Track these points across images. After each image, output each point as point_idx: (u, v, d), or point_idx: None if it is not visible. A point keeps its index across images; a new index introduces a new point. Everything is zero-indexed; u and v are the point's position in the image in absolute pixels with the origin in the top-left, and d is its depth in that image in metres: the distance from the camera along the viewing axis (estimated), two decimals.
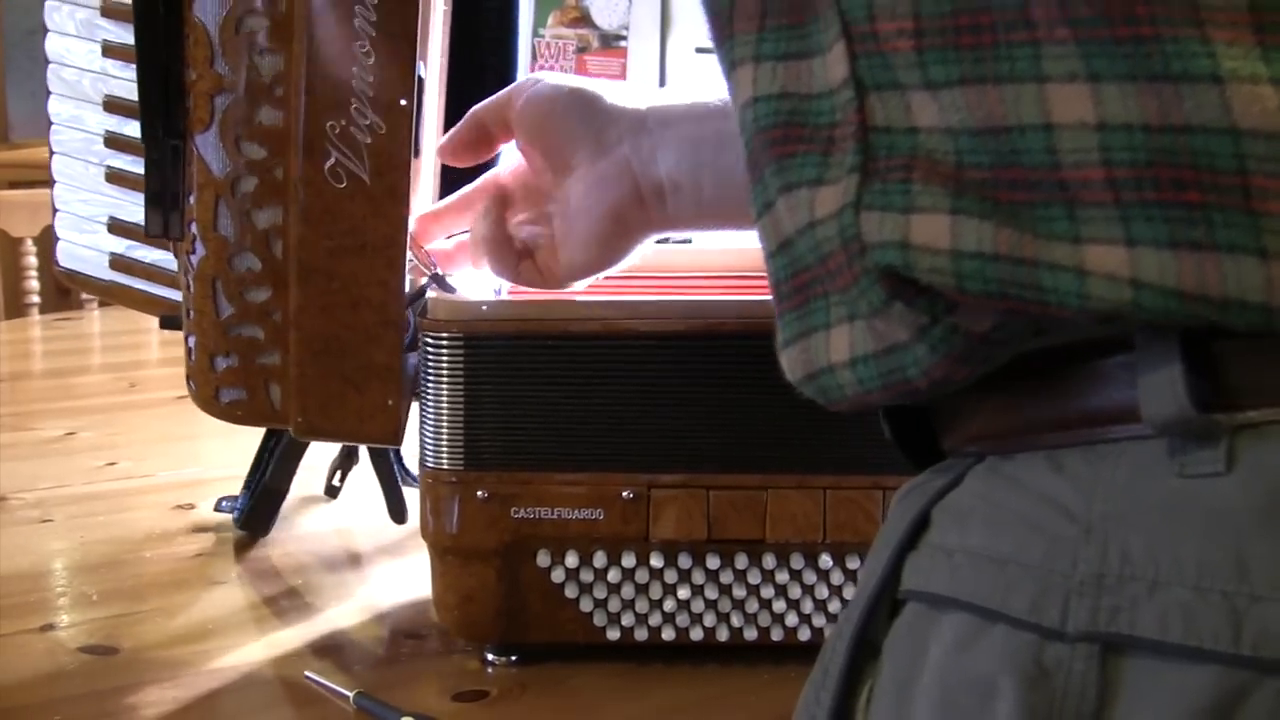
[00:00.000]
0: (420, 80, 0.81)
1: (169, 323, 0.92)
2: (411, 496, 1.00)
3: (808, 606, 0.83)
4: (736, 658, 0.85)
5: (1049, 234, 0.41)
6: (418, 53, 0.79)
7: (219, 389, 0.83)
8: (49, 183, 0.98)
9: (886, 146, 0.44)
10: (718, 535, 0.82)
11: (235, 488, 1.05)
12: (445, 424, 0.81)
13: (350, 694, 0.79)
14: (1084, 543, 0.42)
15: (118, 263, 0.94)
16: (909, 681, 0.46)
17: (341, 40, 0.77)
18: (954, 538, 0.47)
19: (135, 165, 0.90)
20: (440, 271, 0.85)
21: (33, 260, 2.36)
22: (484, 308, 0.81)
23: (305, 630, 0.90)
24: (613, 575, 0.83)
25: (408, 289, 0.83)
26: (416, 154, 0.81)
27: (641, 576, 0.83)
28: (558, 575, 0.83)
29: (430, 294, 0.83)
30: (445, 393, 0.81)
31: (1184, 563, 0.40)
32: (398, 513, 0.99)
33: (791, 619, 0.83)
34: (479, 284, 0.86)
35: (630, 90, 0.80)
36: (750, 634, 0.83)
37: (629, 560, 0.82)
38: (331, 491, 1.10)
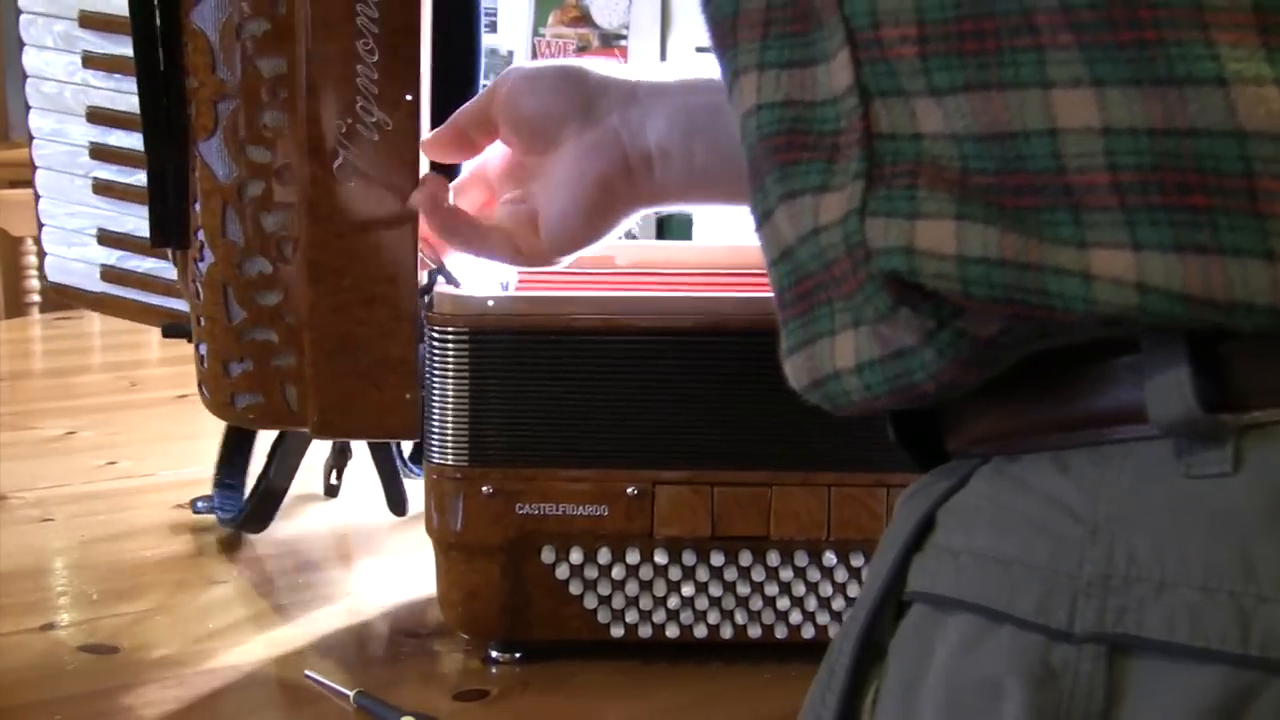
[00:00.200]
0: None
1: (172, 331, 0.91)
2: (411, 488, 1.00)
3: (812, 604, 0.83)
4: (740, 655, 0.85)
5: (1054, 238, 0.40)
6: (420, 46, 0.79)
7: (234, 394, 0.82)
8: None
9: (892, 153, 0.44)
10: (722, 532, 0.82)
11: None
12: (450, 420, 0.81)
13: (350, 693, 0.79)
14: (1090, 543, 0.42)
15: (109, 274, 0.94)
16: (915, 683, 0.46)
17: (344, 39, 0.77)
18: (959, 539, 0.47)
19: (122, 175, 0.89)
20: (443, 264, 0.85)
21: (33, 259, 2.36)
22: (490, 303, 0.80)
23: (305, 629, 0.90)
24: (617, 572, 0.83)
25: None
26: None
27: (646, 573, 0.83)
28: (562, 572, 0.83)
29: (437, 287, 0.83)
30: (451, 388, 0.81)
31: (1191, 563, 0.40)
32: (397, 504, 0.99)
33: (795, 616, 0.83)
34: (485, 277, 0.86)
35: (619, 66, 0.80)
36: (754, 631, 0.83)
37: (633, 557, 0.82)
38: (331, 491, 1.10)
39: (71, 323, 1.83)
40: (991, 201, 0.41)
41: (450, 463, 0.82)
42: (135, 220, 0.89)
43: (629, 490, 0.81)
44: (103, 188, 0.92)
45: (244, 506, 1.02)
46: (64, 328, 1.84)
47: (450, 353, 0.80)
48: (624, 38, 3.35)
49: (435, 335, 0.80)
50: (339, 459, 1.08)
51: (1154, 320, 0.40)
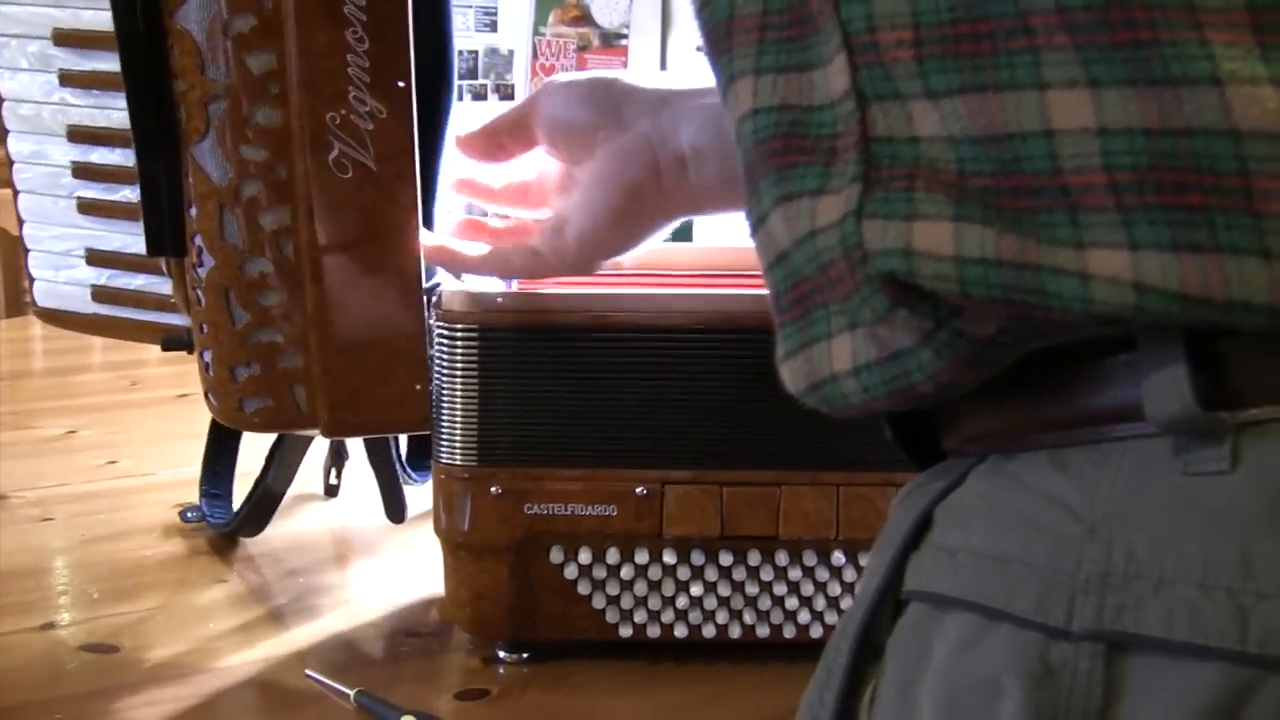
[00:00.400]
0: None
1: (172, 344, 0.90)
2: (409, 493, 1.00)
3: (820, 604, 0.83)
4: (748, 654, 0.85)
5: (1052, 239, 0.40)
6: (409, 31, 0.78)
7: (242, 400, 0.82)
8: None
9: (889, 156, 0.44)
10: (731, 532, 0.82)
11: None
12: (459, 419, 0.81)
13: (351, 692, 0.79)
14: (1088, 541, 0.42)
15: (101, 294, 0.92)
16: (913, 682, 0.46)
17: (333, 29, 0.76)
18: (957, 537, 0.47)
19: (107, 193, 0.89)
20: None
21: None
22: (499, 300, 0.80)
23: (306, 629, 0.90)
24: (625, 572, 0.82)
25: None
26: None
27: (654, 573, 0.83)
28: (570, 572, 0.83)
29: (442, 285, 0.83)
30: (459, 387, 0.80)
31: (1189, 561, 0.40)
32: (396, 512, 0.98)
33: (804, 616, 0.83)
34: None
35: (651, 75, 0.80)
36: (763, 631, 0.83)
37: (642, 557, 0.82)
38: (331, 491, 1.10)
39: None
40: (989, 203, 0.42)
41: (459, 462, 0.81)
42: (123, 237, 0.89)
43: (637, 490, 0.81)
44: (88, 207, 0.91)
45: (240, 510, 1.02)
46: None
47: (459, 351, 0.80)
48: (624, 37, 3.36)
49: (443, 334, 0.80)
50: (336, 459, 1.08)
51: (1151, 319, 0.40)
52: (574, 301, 0.81)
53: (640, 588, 0.83)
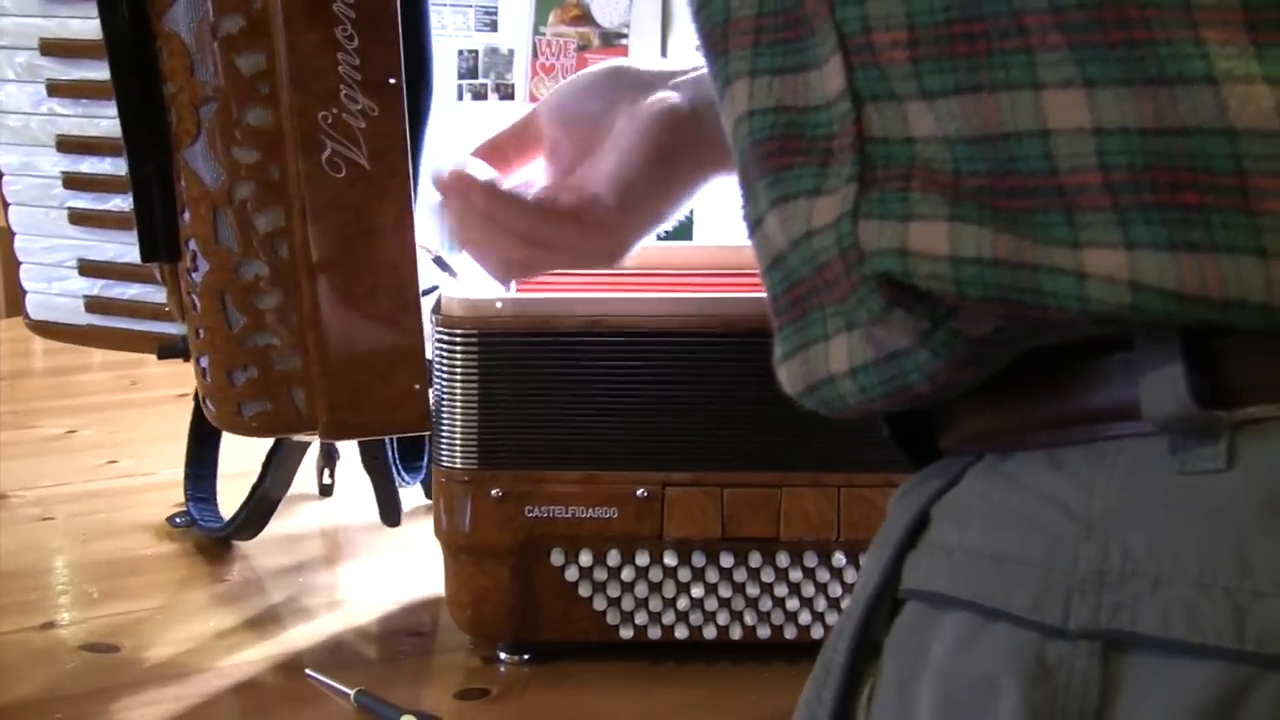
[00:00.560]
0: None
1: (167, 352, 0.89)
2: (403, 494, 1.00)
3: (821, 604, 0.84)
4: (750, 656, 0.85)
5: (1048, 239, 0.41)
6: (398, 27, 0.78)
7: (240, 404, 0.81)
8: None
9: (884, 157, 0.44)
10: (731, 533, 0.82)
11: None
12: (459, 422, 0.81)
13: (351, 692, 0.79)
14: (1085, 540, 0.42)
15: (94, 304, 0.92)
16: (910, 680, 0.46)
17: (323, 27, 0.76)
18: (954, 536, 0.47)
19: (98, 202, 0.88)
20: (439, 254, 0.84)
21: None
22: (498, 305, 0.80)
23: (306, 628, 0.90)
24: (626, 574, 0.83)
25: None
26: None
27: (655, 575, 0.83)
28: (571, 574, 0.83)
29: (438, 290, 0.82)
30: (459, 390, 0.80)
31: (1186, 559, 0.40)
32: (391, 516, 0.98)
33: (805, 617, 0.83)
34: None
35: (656, 58, 0.79)
36: (764, 632, 0.83)
37: (643, 559, 0.82)
38: (325, 490, 1.09)
39: None
40: (984, 203, 0.42)
41: (459, 465, 0.81)
42: (116, 246, 0.88)
43: (638, 492, 0.81)
44: (79, 217, 0.90)
45: (237, 515, 1.01)
46: None
47: (459, 355, 0.80)
48: (625, 36, 3.36)
49: (443, 339, 0.80)
50: (328, 459, 1.08)
51: (1148, 318, 0.40)
52: (573, 306, 0.81)
53: (641, 589, 0.83)
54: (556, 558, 0.83)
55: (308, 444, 1.00)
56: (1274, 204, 0.38)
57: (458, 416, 0.81)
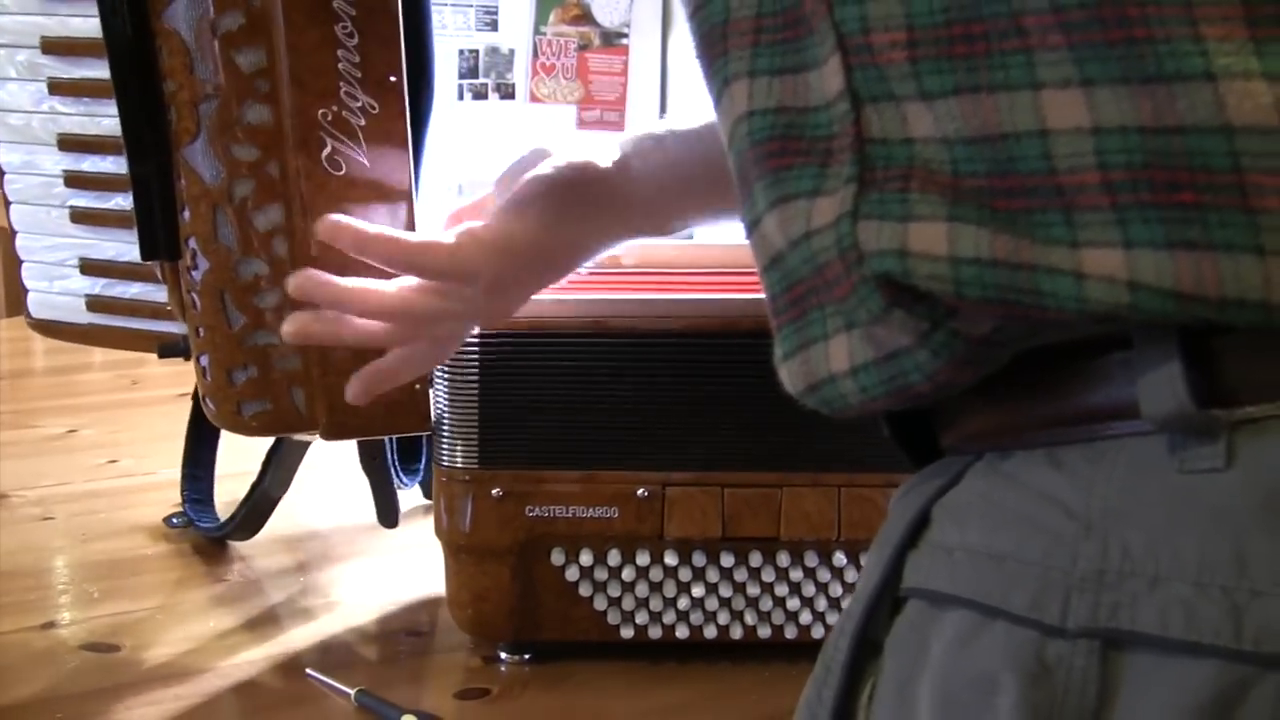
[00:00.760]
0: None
1: (168, 351, 0.89)
2: (400, 495, 1.00)
3: (822, 604, 0.83)
4: (751, 655, 0.85)
5: (1046, 239, 0.41)
6: (399, 24, 0.77)
7: (240, 403, 0.81)
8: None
9: (884, 158, 0.44)
10: (732, 533, 0.82)
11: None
12: (460, 422, 0.81)
13: (351, 692, 0.79)
14: (1084, 539, 0.42)
15: (95, 303, 0.91)
16: (911, 679, 0.46)
17: (322, 24, 0.75)
18: (954, 535, 0.47)
19: (100, 201, 0.88)
20: None
21: None
22: None
23: (306, 628, 0.90)
24: (627, 573, 0.82)
25: None
26: None
27: (655, 574, 0.83)
28: (572, 573, 0.82)
29: None
30: (460, 392, 0.80)
31: (1184, 558, 0.40)
32: (388, 517, 0.98)
33: (806, 617, 0.83)
34: None
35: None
36: (764, 632, 0.83)
37: (643, 558, 0.82)
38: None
39: None
40: (983, 203, 0.42)
41: (460, 465, 0.81)
42: (117, 245, 0.88)
43: (639, 492, 0.81)
44: (80, 216, 0.90)
45: (235, 514, 1.01)
46: None
47: (460, 360, 0.80)
48: (625, 36, 3.35)
49: None
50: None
51: (1146, 317, 0.40)
52: (574, 308, 0.81)
53: (642, 589, 0.83)
54: (557, 557, 0.82)
55: (308, 443, 1.00)
56: (1272, 201, 0.38)
57: (458, 417, 0.81)
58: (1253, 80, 0.38)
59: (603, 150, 0.77)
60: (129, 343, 0.93)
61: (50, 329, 0.95)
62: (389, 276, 0.74)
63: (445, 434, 0.82)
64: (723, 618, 0.83)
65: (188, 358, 0.85)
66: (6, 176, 0.92)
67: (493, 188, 0.80)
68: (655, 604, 0.83)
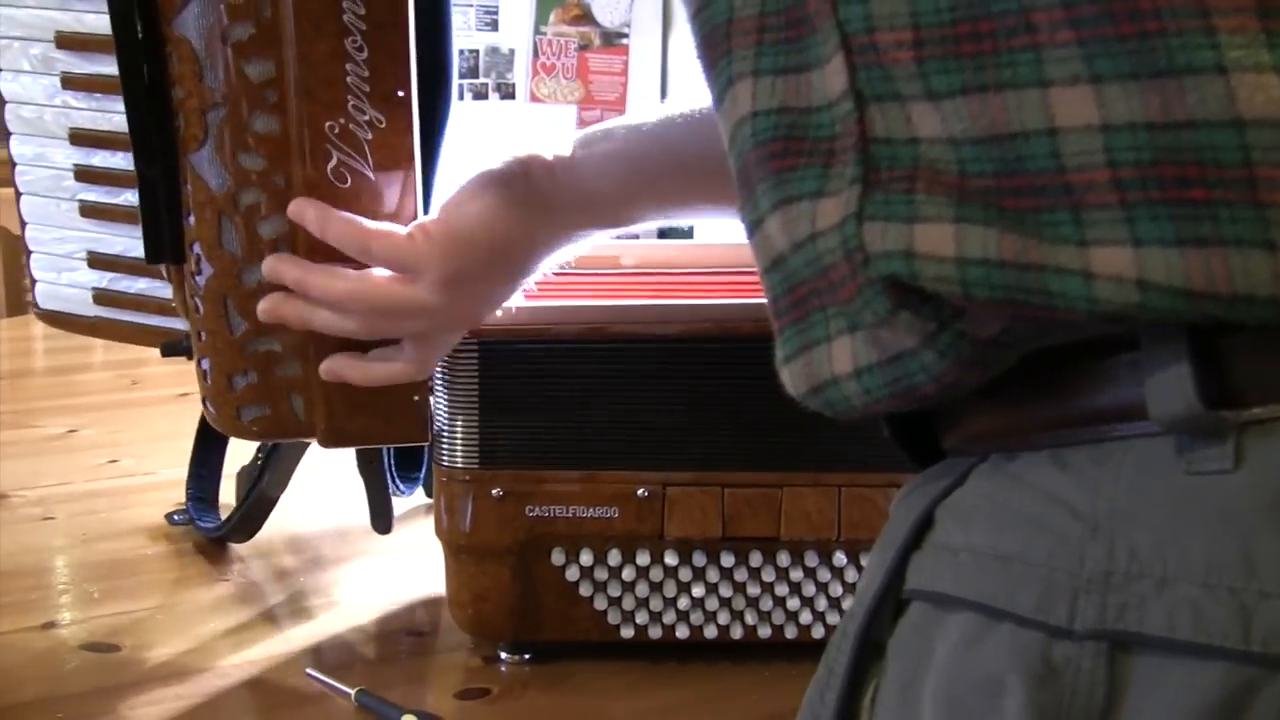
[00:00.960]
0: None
1: (170, 350, 0.89)
2: (396, 499, 1.00)
3: (822, 604, 0.83)
4: (751, 655, 0.85)
5: (1054, 238, 0.40)
6: (409, 39, 0.77)
7: (240, 408, 0.81)
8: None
9: (888, 158, 0.44)
10: (732, 533, 0.82)
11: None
12: (460, 423, 0.81)
13: (352, 692, 0.79)
14: (1090, 540, 0.42)
15: (102, 297, 0.91)
16: (915, 681, 0.46)
17: (332, 38, 0.75)
18: (959, 537, 0.47)
19: (109, 196, 0.88)
20: None
21: None
22: (498, 313, 0.80)
23: (306, 628, 0.90)
24: (627, 573, 0.82)
25: None
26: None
27: (656, 574, 0.83)
28: (572, 573, 0.82)
29: None
30: (460, 393, 0.80)
31: (1192, 560, 0.39)
32: (383, 523, 0.98)
33: (805, 616, 0.83)
34: None
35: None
36: (764, 631, 0.83)
37: (643, 558, 0.82)
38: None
39: None
40: (990, 204, 0.41)
41: (460, 465, 0.81)
42: (125, 241, 0.88)
43: (639, 492, 0.81)
44: (90, 210, 0.90)
45: (233, 515, 1.01)
46: None
47: (460, 359, 0.80)
48: (625, 36, 3.35)
49: None
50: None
51: (1155, 316, 0.39)
52: (574, 314, 0.81)
53: (642, 589, 0.83)
54: (557, 557, 0.82)
55: (306, 445, 1.00)
56: None
57: (459, 417, 0.81)
58: (1264, 73, 0.38)
59: (551, 145, 0.78)
60: (135, 337, 0.93)
61: (57, 320, 0.95)
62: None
63: (445, 434, 0.82)
64: (723, 618, 0.83)
65: (190, 357, 0.85)
66: (18, 168, 0.92)
67: None
68: (655, 604, 0.83)
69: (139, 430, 1.34)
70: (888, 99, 0.44)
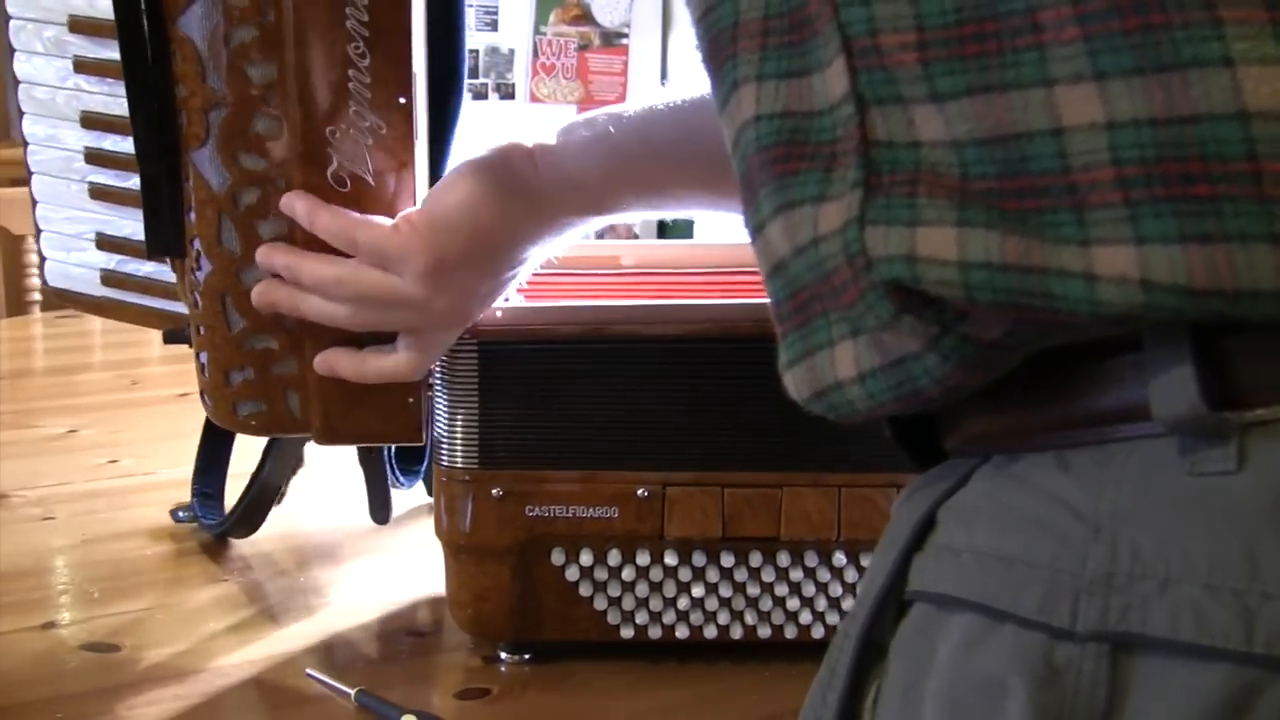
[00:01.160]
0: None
1: (172, 337, 0.90)
2: (396, 497, 1.00)
3: (821, 604, 0.83)
4: (751, 655, 0.85)
5: (1057, 239, 0.40)
6: (412, 46, 0.78)
7: (236, 403, 0.82)
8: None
9: (889, 161, 0.44)
10: (732, 533, 0.82)
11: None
12: (460, 423, 0.81)
13: (352, 691, 0.79)
14: (1093, 541, 0.42)
15: (110, 278, 0.92)
16: (917, 682, 0.46)
17: (334, 43, 0.76)
18: (961, 538, 0.47)
19: (119, 180, 0.88)
20: None
21: (34, 258, 2.35)
22: (498, 315, 0.80)
23: (306, 628, 0.90)
24: (627, 573, 0.82)
25: None
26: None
27: (655, 574, 0.83)
28: (572, 573, 0.82)
29: None
30: (460, 394, 0.80)
31: (1195, 561, 0.39)
32: (381, 513, 0.98)
33: (805, 617, 0.83)
34: None
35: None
36: (764, 631, 0.83)
37: (643, 558, 0.82)
38: (279, 497, 1.07)
39: (73, 321, 1.83)
40: (993, 205, 0.41)
41: (460, 465, 0.81)
42: (133, 224, 0.88)
43: (639, 492, 0.81)
44: (99, 193, 0.90)
45: (235, 507, 1.01)
46: (65, 326, 1.83)
47: (460, 360, 0.80)
48: (625, 36, 3.35)
49: None
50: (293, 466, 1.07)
51: (1160, 316, 0.39)
52: (574, 314, 0.81)
53: (642, 589, 0.83)
54: (557, 557, 0.82)
55: (308, 436, 1.00)
56: None
57: (458, 417, 0.81)
58: (1270, 65, 0.38)
59: (532, 135, 0.78)
60: (141, 319, 0.94)
61: (66, 298, 0.96)
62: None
63: (445, 434, 0.82)
64: (723, 618, 0.83)
65: (191, 345, 0.85)
66: (30, 147, 0.93)
67: None
68: (655, 604, 0.83)
69: (139, 430, 1.34)
70: (889, 102, 0.44)
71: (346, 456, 1.08)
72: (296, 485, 1.03)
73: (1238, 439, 0.40)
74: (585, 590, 0.83)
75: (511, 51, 3.35)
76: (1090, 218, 0.40)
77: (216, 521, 1.03)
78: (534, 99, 3.34)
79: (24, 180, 0.96)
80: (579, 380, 0.81)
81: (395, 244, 0.75)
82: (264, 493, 1.00)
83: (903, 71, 0.43)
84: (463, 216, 0.75)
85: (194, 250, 0.80)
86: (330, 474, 1.10)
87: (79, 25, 0.87)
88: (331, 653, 0.86)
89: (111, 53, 0.83)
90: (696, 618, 0.83)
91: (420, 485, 1.02)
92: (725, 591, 0.83)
